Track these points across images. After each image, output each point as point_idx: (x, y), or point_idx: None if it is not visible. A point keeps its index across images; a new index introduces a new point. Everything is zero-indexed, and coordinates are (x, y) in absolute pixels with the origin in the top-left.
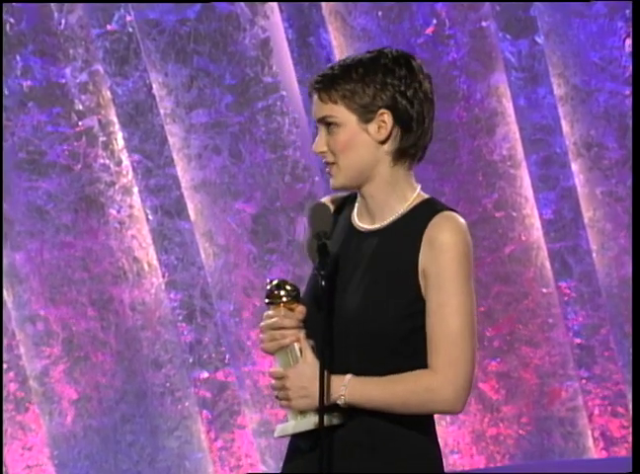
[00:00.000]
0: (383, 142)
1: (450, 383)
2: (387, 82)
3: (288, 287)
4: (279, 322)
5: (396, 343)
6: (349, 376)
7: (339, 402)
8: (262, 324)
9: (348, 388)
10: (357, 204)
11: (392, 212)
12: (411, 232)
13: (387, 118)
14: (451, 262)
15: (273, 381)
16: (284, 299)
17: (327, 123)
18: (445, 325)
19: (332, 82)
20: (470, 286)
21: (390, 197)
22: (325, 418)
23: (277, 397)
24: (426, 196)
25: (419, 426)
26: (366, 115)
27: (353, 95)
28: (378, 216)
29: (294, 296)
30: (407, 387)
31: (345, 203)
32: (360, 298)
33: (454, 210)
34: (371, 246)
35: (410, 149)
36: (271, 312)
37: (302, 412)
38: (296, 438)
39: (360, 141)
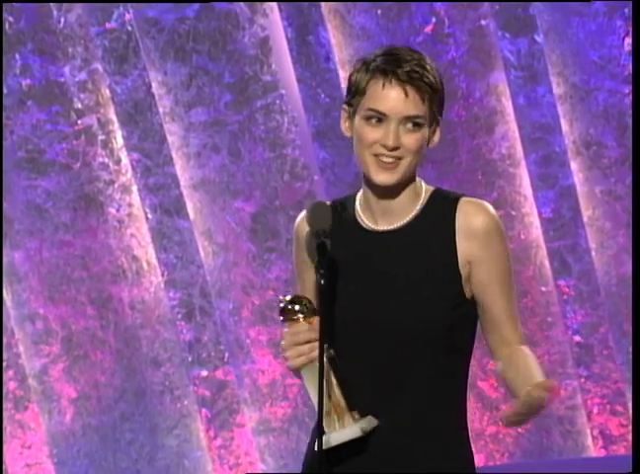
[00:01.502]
0: (427, 147)
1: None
2: (444, 87)
3: (304, 301)
4: (306, 336)
5: (439, 338)
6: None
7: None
8: (285, 342)
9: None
10: (360, 207)
11: (409, 209)
12: (438, 225)
13: (438, 127)
14: (496, 244)
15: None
16: (303, 314)
17: (410, 122)
18: (510, 302)
19: (431, 81)
20: (512, 262)
21: (410, 195)
22: (364, 422)
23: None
24: (431, 187)
25: (452, 426)
26: (433, 120)
27: (438, 96)
28: (396, 216)
29: (312, 310)
30: (537, 363)
31: (335, 210)
32: (401, 299)
33: (464, 195)
34: (398, 246)
35: None
36: (291, 329)
37: (340, 421)
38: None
39: (424, 145)
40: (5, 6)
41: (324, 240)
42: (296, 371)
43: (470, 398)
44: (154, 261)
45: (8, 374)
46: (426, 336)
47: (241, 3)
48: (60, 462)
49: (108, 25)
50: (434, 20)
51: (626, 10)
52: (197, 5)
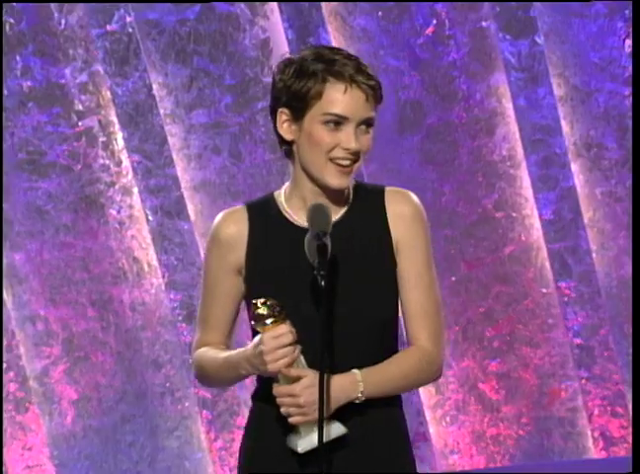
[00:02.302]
0: None
1: (441, 352)
2: None
3: (274, 305)
4: (289, 338)
5: (391, 325)
6: (357, 372)
7: (357, 400)
8: (267, 347)
9: (364, 383)
10: (288, 206)
11: (340, 205)
12: (370, 216)
13: None
14: (422, 232)
15: (284, 399)
16: (274, 318)
17: (365, 124)
18: (428, 296)
19: (380, 85)
20: (433, 256)
21: (340, 192)
22: (339, 426)
23: (288, 413)
24: (352, 180)
25: (397, 425)
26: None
27: None
28: (332, 211)
29: (284, 313)
30: (411, 365)
31: (258, 211)
32: (354, 292)
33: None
34: (337, 241)
35: None
36: (272, 332)
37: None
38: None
39: None
40: (5, 7)
41: (325, 241)
42: (272, 375)
43: (471, 400)
44: (155, 262)
45: (9, 376)
46: (377, 327)
47: (242, 5)
48: (61, 464)
49: (109, 27)
50: (434, 21)
51: (627, 11)
52: (197, 7)
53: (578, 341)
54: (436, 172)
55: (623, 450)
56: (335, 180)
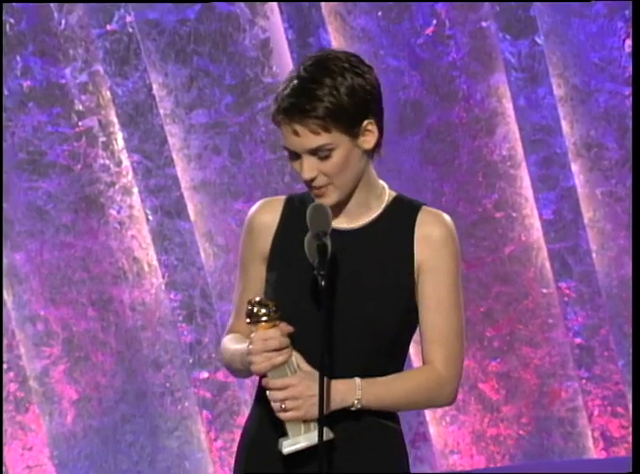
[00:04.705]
0: (370, 149)
1: (454, 378)
2: (359, 88)
3: (270, 305)
4: (277, 343)
5: (392, 341)
6: (359, 379)
7: (353, 406)
8: (254, 347)
9: (363, 391)
10: None
11: (370, 210)
12: (398, 229)
13: (372, 126)
14: (450, 256)
15: (278, 393)
16: (267, 317)
17: (317, 152)
18: (447, 320)
19: (326, 110)
20: (461, 280)
21: (369, 196)
22: (327, 430)
23: (282, 409)
24: (394, 192)
25: (392, 441)
26: (354, 130)
27: (343, 117)
28: (355, 215)
29: (278, 314)
30: (418, 384)
31: (291, 206)
32: (362, 298)
33: (425, 204)
34: (358, 245)
35: (379, 146)
36: (262, 334)
37: (305, 422)
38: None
39: (354, 157)
40: (5, 7)
41: (325, 241)
42: (258, 374)
43: (471, 400)
44: (155, 262)
45: (9, 376)
46: (372, 337)
47: (242, 4)
48: (61, 464)
49: (109, 26)
50: (434, 21)
51: (627, 11)
52: (197, 7)
53: (578, 341)
54: (436, 172)
55: (623, 450)
56: (317, 199)
